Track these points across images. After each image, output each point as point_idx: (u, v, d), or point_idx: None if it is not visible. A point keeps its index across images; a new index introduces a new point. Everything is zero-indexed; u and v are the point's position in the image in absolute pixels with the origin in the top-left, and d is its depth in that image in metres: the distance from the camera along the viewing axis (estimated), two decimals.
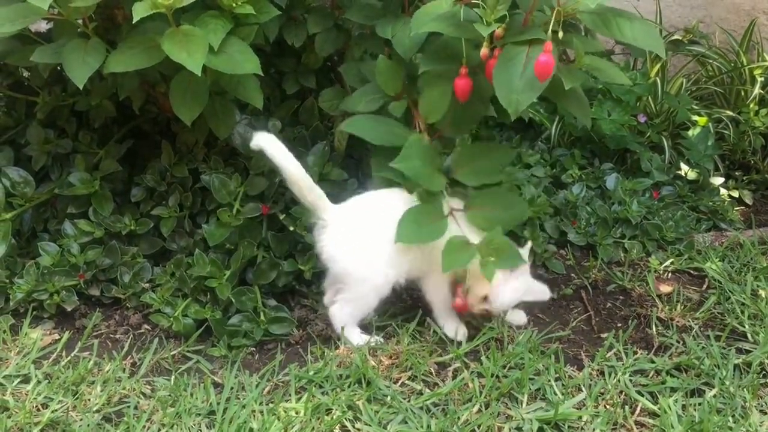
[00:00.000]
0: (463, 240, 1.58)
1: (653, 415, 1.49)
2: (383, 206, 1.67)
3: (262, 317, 1.74)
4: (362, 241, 1.65)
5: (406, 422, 1.46)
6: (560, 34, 1.41)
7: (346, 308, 1.68)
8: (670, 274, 2.00)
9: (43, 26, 1.88)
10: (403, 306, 1.83)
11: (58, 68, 1.86)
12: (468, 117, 1.68)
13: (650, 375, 1.60)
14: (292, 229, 1.84)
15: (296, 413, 1.47)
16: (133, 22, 1.45)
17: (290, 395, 1.53)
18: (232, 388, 1.55)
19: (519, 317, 1.77)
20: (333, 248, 1.66)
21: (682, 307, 1.82)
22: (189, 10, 1.55)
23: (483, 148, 1.73)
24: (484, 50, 1.50)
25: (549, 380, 1.56)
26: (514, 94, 1.43)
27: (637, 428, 1.47)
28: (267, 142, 1.62)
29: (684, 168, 2.41)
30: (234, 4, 1.58)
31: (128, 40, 1.58)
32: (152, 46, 1.53)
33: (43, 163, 1.95)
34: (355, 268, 1.65)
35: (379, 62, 1.71)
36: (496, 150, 1.70)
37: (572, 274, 2.01)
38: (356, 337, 1.68)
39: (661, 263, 2.03)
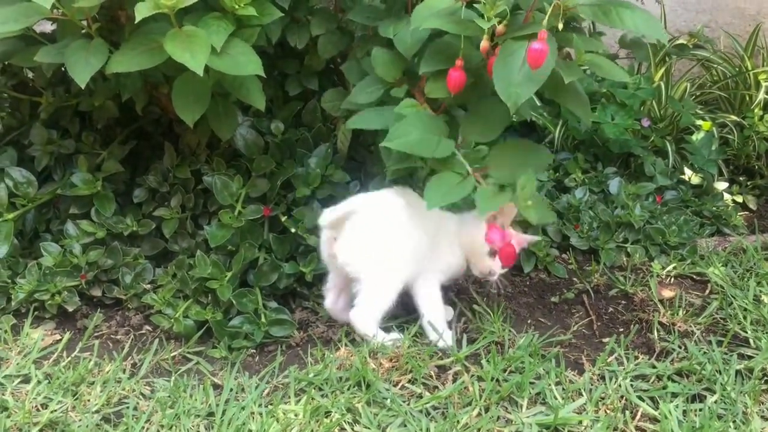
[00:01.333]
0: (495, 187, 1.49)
1: (654, 420, 1.49)
2: (387, 204, 1.68)
3: (263, 319, 1.74)
4: (377, 239, 1.64)
5: (406, 425, 1.45)
6: (560, 26, 1.40)
7: (367, 308, 1.65)
8: (672, 279, 1.99)
9: (48, 27, 1.89)
10: (404, 309, 1.82)
11: (62, 69, 1.87)
12: (494, 122, 1.59)
13: (651, 380, 1.59)
14: (293, 231, 1.84)
15: (295, 415, 1.47)
16: (136, 22, 1.45)
17: (289, 397, 1.53)
18: (231, 390, 1.55)
19: (447, 312, 1.78)
20: (348, 251, 1.64)
21: (684, 312, 1.82)
22: (192, 11, 1.55)
23: (519, 146, 1.60)
24: (484, 44, 1.49)
25: (549, 384, 1.55)
26: (512, 87, 1.42)
27: None
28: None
29: (688, 172, 2.41)
30: (237, 6, 1.58)
31: (131, 40, 1.58)
32: (155, 47, 1.53)
33: (46, 163, 1.96)
34: (373, 267, 1.64)
35: (374, 53, 1.69)
36: (533, 150, 1.56)
37: (574, 279, 2.00)
38: (382, 335, 1.67)
39: (663, 268, 2.02)
